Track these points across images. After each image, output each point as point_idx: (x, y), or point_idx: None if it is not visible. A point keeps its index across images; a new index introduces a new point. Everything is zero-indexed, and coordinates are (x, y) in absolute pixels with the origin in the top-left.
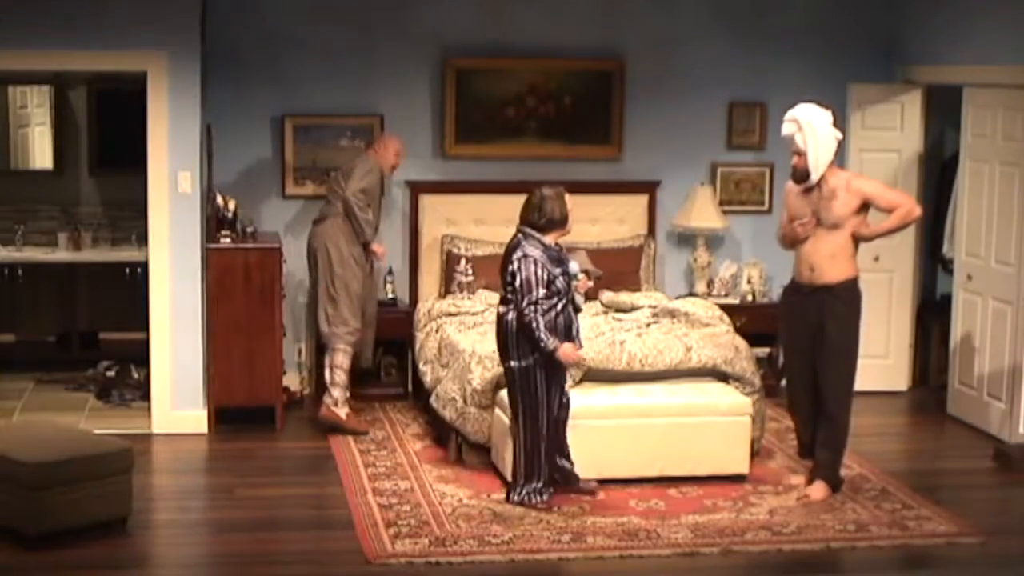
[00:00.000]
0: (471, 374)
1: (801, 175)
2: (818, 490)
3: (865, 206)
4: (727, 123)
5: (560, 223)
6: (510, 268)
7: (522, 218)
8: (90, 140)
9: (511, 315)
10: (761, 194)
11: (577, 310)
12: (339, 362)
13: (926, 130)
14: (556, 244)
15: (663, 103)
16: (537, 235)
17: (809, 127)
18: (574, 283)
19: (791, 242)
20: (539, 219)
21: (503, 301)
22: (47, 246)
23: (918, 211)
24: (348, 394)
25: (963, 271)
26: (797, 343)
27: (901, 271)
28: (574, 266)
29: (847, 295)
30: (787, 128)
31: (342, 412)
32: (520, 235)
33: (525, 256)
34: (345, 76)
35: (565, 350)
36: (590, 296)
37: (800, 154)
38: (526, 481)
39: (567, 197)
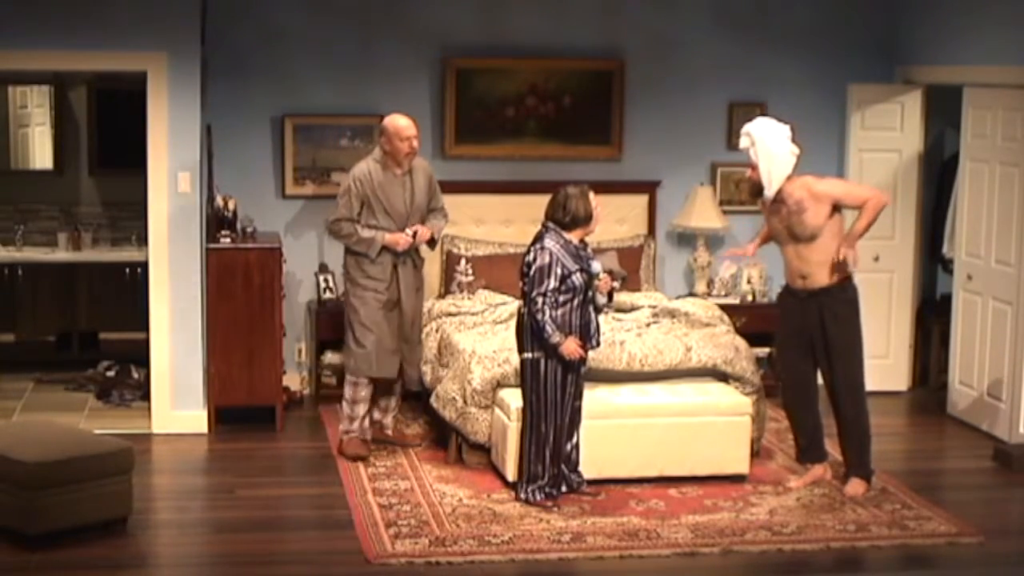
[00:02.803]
0: (471, 374)
1: (755, 189)
2: (856, 487)
3: (836, 207)
4: (727, 123)
5: (584, 221)
6: (527, 259)
7: (547, 215)
8: (90, 140)
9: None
10: None
11: (598, 310)
12: (345, 393)
13: (926, 130)
14: (581, 242)
15: (663, 103)
16: (561, 231)
17: (761, 142)
18: (595, 282)
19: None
20: (563, 217)
21: (522, 296)
22: (47, 246)
23: (886, 198)
24: (358, 425)
25: (963, 271)
26: (795, 344)
27: (901, 271)
28: (596, 265)
29: (844, 294)
30: (742, 142)
31: (345, 438)
32: (544, 229)
33: (542, 248)
34: (345, 76)
35: (568, 345)
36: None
37: (754, 167)
38: (531, 478)
39: (592, 195)
